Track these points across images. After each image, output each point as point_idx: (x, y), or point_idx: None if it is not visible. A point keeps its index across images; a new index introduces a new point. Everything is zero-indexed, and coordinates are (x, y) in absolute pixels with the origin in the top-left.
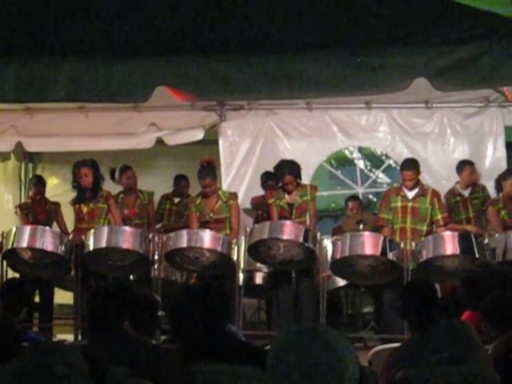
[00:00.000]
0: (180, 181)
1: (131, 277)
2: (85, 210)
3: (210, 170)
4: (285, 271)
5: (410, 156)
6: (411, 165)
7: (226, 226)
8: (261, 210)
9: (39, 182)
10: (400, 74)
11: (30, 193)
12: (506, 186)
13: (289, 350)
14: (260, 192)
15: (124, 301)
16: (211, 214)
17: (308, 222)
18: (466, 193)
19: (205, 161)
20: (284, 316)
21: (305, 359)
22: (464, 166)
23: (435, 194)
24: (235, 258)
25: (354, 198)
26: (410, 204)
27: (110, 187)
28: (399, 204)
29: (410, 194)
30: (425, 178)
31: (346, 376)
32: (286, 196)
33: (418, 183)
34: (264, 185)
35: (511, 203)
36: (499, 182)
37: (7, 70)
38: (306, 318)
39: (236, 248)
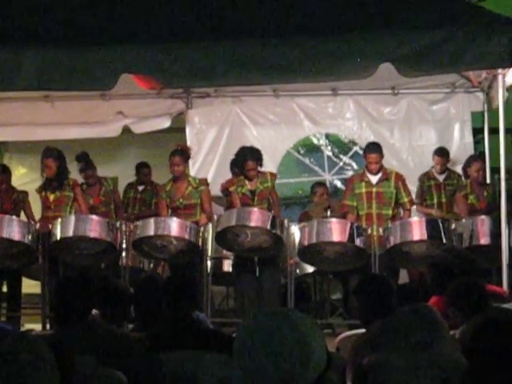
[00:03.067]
0: (142, 168)
1: (102, 265)
2: (51, 198)
3: (181, 152)
4: (247, 259)
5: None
6: (375, 148)
7: (197, 212)
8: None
9: (4, 172)
10: (365, 60)
11: None
12: (472, 172)
13: (256, 333)
14: (226, 179)
15: (90, 290)
16: (181, 200)
17: (272, 210)
18: (441, 178)
19: (181, 146)
20: (248, 304)
21: (271, 342)
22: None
23: (399, 177)
24: (203, 245)
25: (321, 184)
26: (374, 189)
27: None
28: (363, 190)
29: (374, 179)
30: (392, 163)
31: (313, 360)
32: (247, 183)
33: (381, 168)
34: (232, 172)
35: (479, 188)
36: (465, 169)
37: None
38: (270, 304)
39: (203, 235)
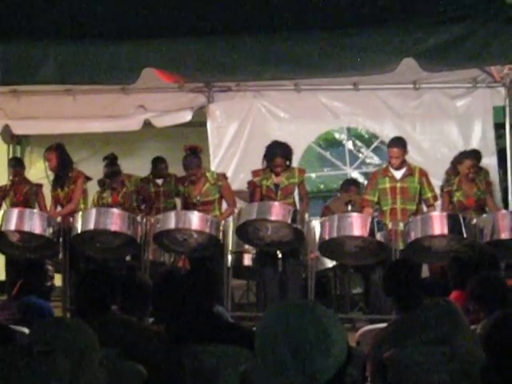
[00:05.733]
0: (158, 163)
1: (127, 258)
2: (61, 195)
3: (192, 158)
4: (270, 253)
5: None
6: (398, 142)
7: (215, 207)
8: None
9: (17, 164)
10: (388, 55)
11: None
12: (463, 169)
13: (277, 325)
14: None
15: (111, 284)
16: (198, 197)
17: (297, 205)
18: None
19: (188, 148)
20: (270, 298)
21: (292, 334)
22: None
23: (423, 172)
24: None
25: (354, 181)
26: (398, 184)
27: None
28: (388, 185)
29: (398, 175)
30: (414, 158)
31: (333, 352)
32: (273, 177)
33: (404, 163)
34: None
35: (468, 185)
36: (455, 165)
37: None
38: (292, 298)
39: (224, 229)
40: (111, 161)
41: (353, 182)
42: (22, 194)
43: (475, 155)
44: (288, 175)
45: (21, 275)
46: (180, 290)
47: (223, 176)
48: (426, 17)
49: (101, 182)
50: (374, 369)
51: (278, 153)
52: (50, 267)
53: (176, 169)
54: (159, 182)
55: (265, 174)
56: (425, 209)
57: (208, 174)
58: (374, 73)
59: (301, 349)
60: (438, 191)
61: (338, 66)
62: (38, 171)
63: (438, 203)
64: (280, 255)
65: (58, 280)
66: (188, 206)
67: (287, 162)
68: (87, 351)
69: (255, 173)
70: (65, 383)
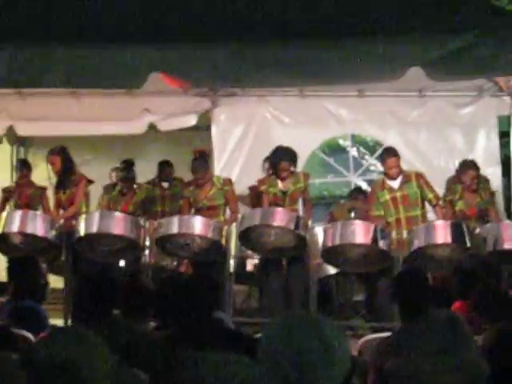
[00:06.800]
0: (165, 167)
1: (121, 263)
2: (63, 198)
3: (201, 161)
4: (275, 259)
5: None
6: (394, 152)
7: (220, 212)
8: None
9: (23, 166)
10: (395, 63)
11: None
12: (466, 179)
13: (279, 337)
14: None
15: (113, 288)
16: (205, 201)
17: (301, 210)
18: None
19: (198, 151)
20: (274, 303)
21: (295, 346)
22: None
23: (419, 176)
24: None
25: (361, 191)
26: (398, 194)
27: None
28: (388, 197)
29: (395, 184)
30: (418, 166)
31: (336, 365)
32: (279, 183)
33: (400, 171)
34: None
35: (470, 194)
36: (459, 175)
37: (1, 56)
38: (296, 305)
39: (227, 235)
40: (128, 165)
41: (360, 191)
42: (27, 196)
43: (475, 165)
44: (294, 180)
45: (13, 276)
46: (182, 295)
47: (229, 181)
48: (433, 26)
49: (108, 188)
50: (376, 379)
51: (283, 157)
52: (43, 265)
53: (179, 172)
54: (165, 185)
55: (270, 181)
56: (430, 213)
57: (215, 179)
58: (381, 81)
59: (304, 361)
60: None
61: (345, 73)
62: (41, 173)
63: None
64: (284, 261)
65: (59, 283)
66: (192, 210)
67: (292, 167)
68: (98, 364)
69: (261, 181)
70: None
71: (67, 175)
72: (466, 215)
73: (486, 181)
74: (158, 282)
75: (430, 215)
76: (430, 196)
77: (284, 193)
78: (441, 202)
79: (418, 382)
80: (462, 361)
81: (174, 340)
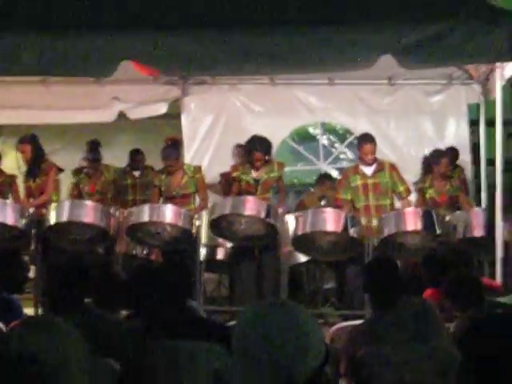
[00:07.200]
0: (135, 155)
1: (97, 251)
2: (33, 186)
3: (172, 149)
4: (247, 247)
5: (372, 132)
6: (370, 138)
7: (192, 200)
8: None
9: None
10: (366, 51)
11: None
12: (441, 168)
13: (255, 324)
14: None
15: (84, 277)
16: (178, 190)
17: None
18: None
19: (169, 138)
20: (247, 291)
21: (270, 333)
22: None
23: (393, 167)
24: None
25: (328, 176)
26: (370, 181)
27: None
28: (359, 182)
29: (369, 171)
30: (388, 154)
31: (311, 352)
32: (252, 171)
33: (375, 159)
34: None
35: (440, 182)
36: (430, 164)
37: None
38: (268, 293)
39: (197, 223)
40: (94, 146)
41: (327, 177)
42: None
43: (452, 153)
44: (267, 170)
45: None
46: (154, 284)
47: (199, 169)
48: (405, 14)
49: (76, 171)
50: (348, 366)
51: (257, 147)
52: (26, 258)
53: (149, 161)
54: (136, 173)
55: (244, 169)
56: (397, 203)
57: (185, 167)
58: (352, 69)
59: (279, 349)
60: (411, 186)
61: (316, 61)
62: (11, 162)
63: (413, 196)
64: (256, 250)
65: (30, 272)
66: (165, 198)
67: (266, 157)
68: (72, 353)
69: (234, 167)
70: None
71: (37, 164)
72: (437, 202)
73: (461, 170)
74: (128, 271)
75: (398, 206)
76: (401, 189)
77: (257, 181)
78: (410, 197)
79: (389, 369)
80: (434, 348)
81: (145, 329)
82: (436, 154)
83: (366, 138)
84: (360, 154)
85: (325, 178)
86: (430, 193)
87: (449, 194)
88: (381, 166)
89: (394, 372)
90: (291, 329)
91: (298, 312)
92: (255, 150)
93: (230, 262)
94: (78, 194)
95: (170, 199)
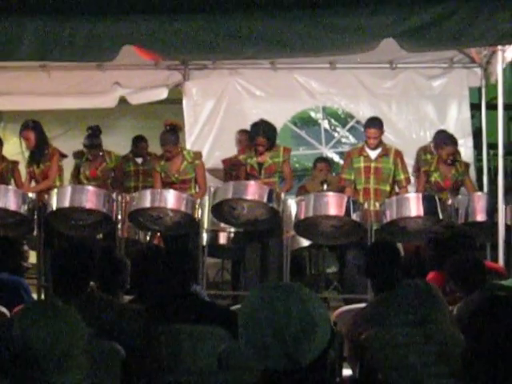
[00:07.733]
0: (139, 142)
1: (99, 236)
2: (37, 172)
3: (171, 134)
4: (251, 232)
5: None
6: (376, 122)
7: (191, 186)
8: (236, 170)
9: None
10: (367, 35)
11: None
12: (442, 154)
13: (262, 307)
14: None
15: (88, 262)
16: (176, 175)
17: (282, 183)
18: None
19: (168, 123)
20: (251, 275)
21: (277, 316)
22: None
23: (398, 153)
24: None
25: (323, 159)
26: (372, 164)
27: None
28: (362, 164)
29: (373, 154)
30: (389, 138)
31: (318, 335)
32: (258, 155)
33: (380, 143)
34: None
35: (446, 166)
36: (436, 149)
37: None
38: (272, 277)
39: (200, 208)
40: (94, 132)
41: (324, 159)
42: None
43: (454, 142)
44: (273, 154)
45: None
46: (158, 268)
47: (200, 155)
48: None
49: (77, 154)
50: (352, 349)
51: (260, 133)
52: (25, 247)
53: (151, 147)
54: (139, 160)
55: (250, 153)
56: (397, 190)
57: (185, 152)
58: (353, 52)
59: (285, 332)
60: (410, 170)
61: (317, 45)
62: (12, 147)
63: (412, 184)
64: (260, 234)
65: (32, 257)
66: (164, 184)
67: (270, 142)
68: (75, 339)
69: (241, 151)
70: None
71: (41, 149)
72: (441, 186)
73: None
74: (131, 256)
75: None
76: (402, 177)
77: (260, 165)
78: (408, 187)
79: (393, 352)
80: (437, 331)
81: (150, 313)
82: (440, 140)
83: (370, 122)
84: (365, 137)
85: (321, 160)
86: (436, 176)
87: (454, 179)
88: (386, 151)
89: (397, 354)
90: (298, 311)
91: (304, 295)
92: (258, 134)
93: (232, 246)
94: (77, 175)
95: (169, 185)
